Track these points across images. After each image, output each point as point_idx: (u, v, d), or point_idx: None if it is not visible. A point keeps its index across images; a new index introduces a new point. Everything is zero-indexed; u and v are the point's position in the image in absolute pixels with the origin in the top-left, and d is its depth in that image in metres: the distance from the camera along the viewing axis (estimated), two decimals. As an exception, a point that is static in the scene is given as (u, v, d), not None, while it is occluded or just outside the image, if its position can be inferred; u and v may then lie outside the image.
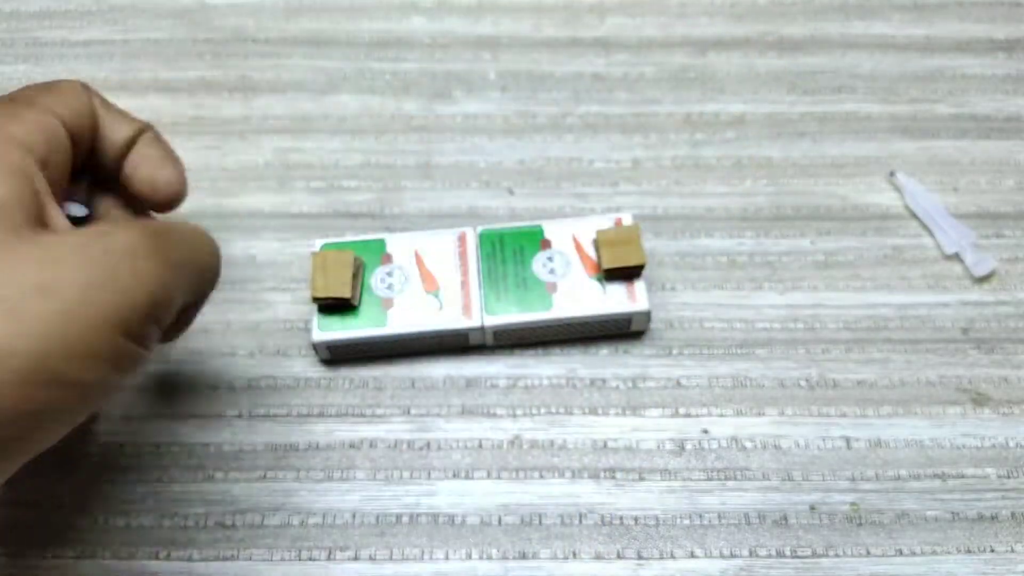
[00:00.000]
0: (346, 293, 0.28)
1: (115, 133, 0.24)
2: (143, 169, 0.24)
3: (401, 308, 0.28)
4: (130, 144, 0.24)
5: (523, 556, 0.26)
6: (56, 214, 0.20)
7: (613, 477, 0.27)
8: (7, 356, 0.16)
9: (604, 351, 0.29)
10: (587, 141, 0.35)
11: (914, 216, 0.32)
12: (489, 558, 0.26)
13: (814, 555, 0.26)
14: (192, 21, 0.38)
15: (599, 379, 0.29)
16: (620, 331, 0.29)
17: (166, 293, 0.19)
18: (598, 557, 0.26)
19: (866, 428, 0.28)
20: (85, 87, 0.23)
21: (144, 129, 0.25)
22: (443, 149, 0.34)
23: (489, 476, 0.27)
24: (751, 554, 0.26)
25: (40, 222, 0.19)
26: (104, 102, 0.24)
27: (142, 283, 0.19)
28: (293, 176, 0.34)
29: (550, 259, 0.29)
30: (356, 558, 0.26)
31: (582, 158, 0.34)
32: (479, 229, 0.30)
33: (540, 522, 0.26)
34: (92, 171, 0.24)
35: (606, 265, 0.28)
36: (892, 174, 0.33)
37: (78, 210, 0.25)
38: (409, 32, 0.38)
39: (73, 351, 0.17)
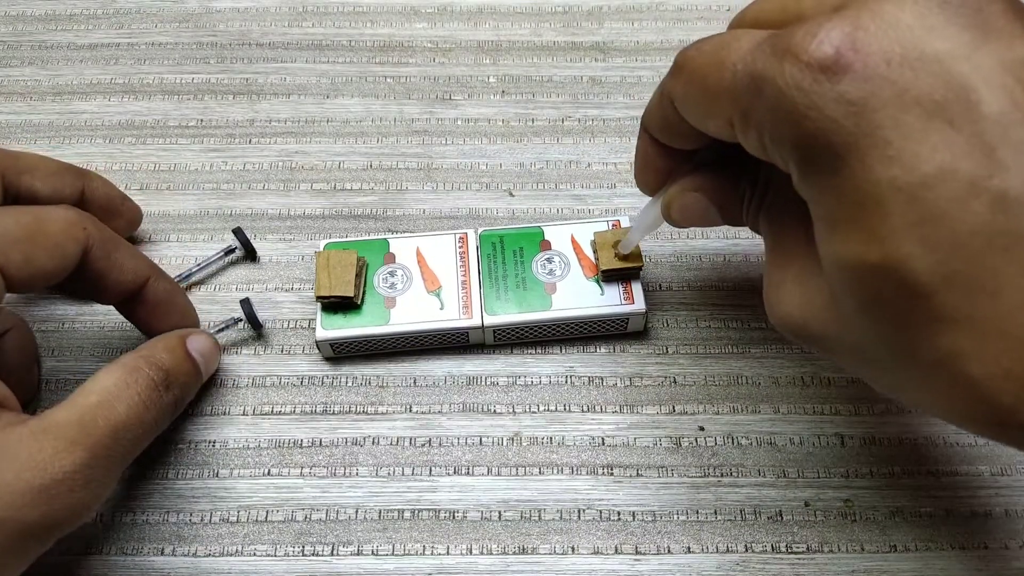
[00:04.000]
0: (349, 292, 0.28)
1: (122, 275, 0.25)
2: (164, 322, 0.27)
3: (403, 307, 0.29)
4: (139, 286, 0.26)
5: (523, 551, 0.26)
6: None
7: (611, 473, 0.27)
8: None
9: (602, 350, 0.30)
10: (585, 144, 0.35)
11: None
12: (489, 553, 0.26)
13: (809, 551, 0.26)
14: (197, 25, 0.39)
15: (597, 377, 0.29)
16: (618, 331, 0.30)
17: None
18: (596, 552, 0.26)
19: (860, 426, 0.28)
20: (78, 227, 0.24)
21: (151, 276, 0.26)
22: (444, 152, 0.35)
23: (489, 472, 0.27)
24: (747, 549, 0.26)
25: None
26: (111, 243, 0.25)
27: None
28: (297, 178, 0.34)
29: (549, 260, 0.30)
30: (359, 553, 0.26)
31: (580, 161, 0.35)
32: (480, 230, 0.30)
33: (539, 517, 0.27)
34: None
35: (604, 266, 0.29)
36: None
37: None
38: (411, 37, 0.38)
39: None
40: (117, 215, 0.29)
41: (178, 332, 0.27)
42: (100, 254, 0.24)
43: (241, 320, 0.29)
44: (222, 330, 0.29)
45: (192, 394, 0.27)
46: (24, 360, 0.28)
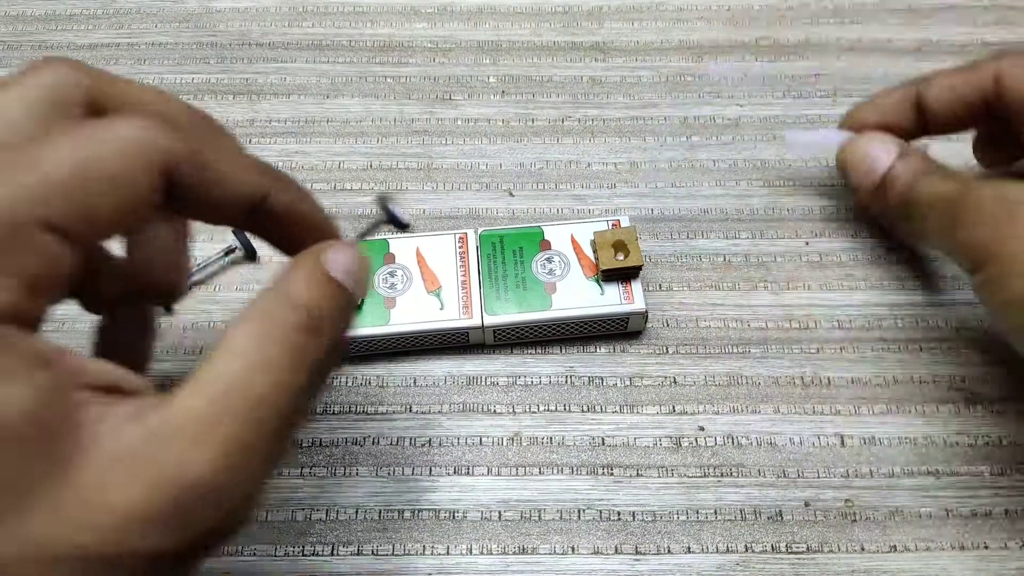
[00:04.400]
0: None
1: (226, 191, 0.19)
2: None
3: (403, 307, 0.29)
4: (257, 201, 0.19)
5: (523, 551, 0.26)
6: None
7: (611, 473, 0.27)
8: None
9: (602, 350, 0.30)
10: (585, 144, 0.35)
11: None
12: (489, 553, 0.26)
13: (809, 551, 0.26)
14: (197, 25, 0.39)
15: (597, 377, 0.29)
16: (618, 331, 0.30)
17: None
18: (596, 552, 0.26)
19: (860, 426, 0.28)
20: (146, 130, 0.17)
21: (271, 190, 0.20)
22: (444, 152, 0.35)
23: (489, 472, 0.27)
24: (747, 549, 0.26)
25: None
26: (206, 151, 0.18)
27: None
28: (297, 178, 0.34)
29: (549, 260, 0.30)
30: (359, 553, 0.26)
31: (580, 161, 0.35)
32: (479, 230, 0.30)
33: (539, 517, 0.27)
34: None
35: (604, 266, 0.29)
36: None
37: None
38: (411, 37, 0.38)
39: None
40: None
41: (311, 251, 0.19)
42: (189, 170, 0.17)
43: (382, 222, 0.22)
44: (365, 234, 0.22)
45: (349, 327, 0.20)
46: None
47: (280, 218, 0.20)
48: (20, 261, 0.15)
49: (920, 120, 0.28)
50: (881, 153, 0.28)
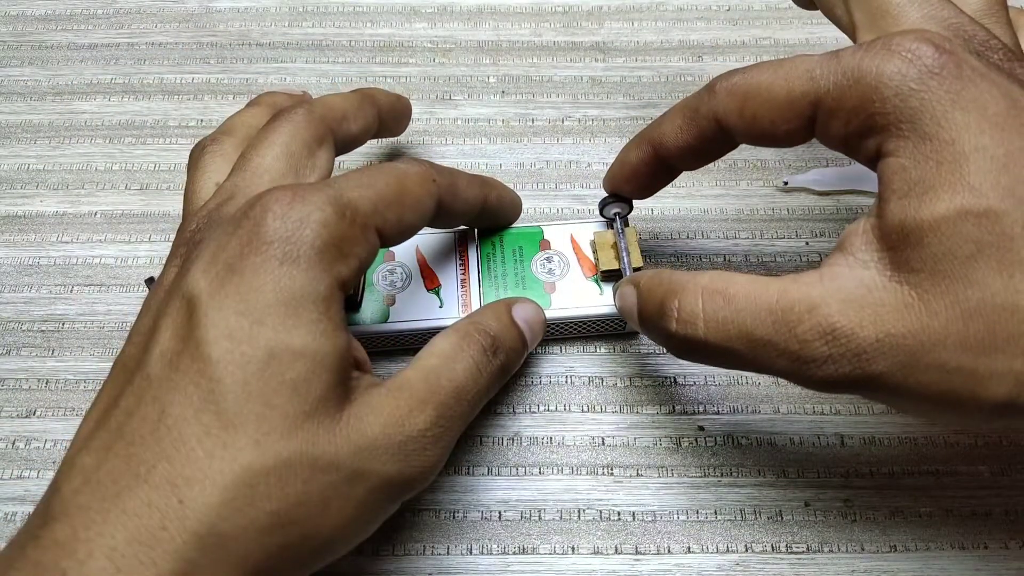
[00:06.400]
0: (349, 290, 0.28)
1: (466, 206, 0.26)
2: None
3: (403, 305, 0.29)
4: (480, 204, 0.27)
5: (523, 551, 0.26)
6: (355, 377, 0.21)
7: (611, 473, 0.27)
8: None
9: (602, 350, 0.30)
10: (585, 144, 0.35)
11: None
12: (490, 553, 0.26)
13: (809, 551, 0.26)
14: (197, 25, 0.39)
15: (597, 377, 0.29)
16: (617, 331, 0.30)
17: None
18: (596, 552, 0.26)
19: (860, 426, 0.28)
20: (428, 180, 0.23)
21: (488, 195, 0.27)
22: (444, 152, 0.35)
23: (489, 472, 0.27)
24: (747, 549, 0.26)
25: (343, 394, 0.20)
26: (453, 183, 0.25)
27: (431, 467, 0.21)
28: (296, 178, 0.34)
29: (549, 260, 0.30)
30: (360, 552, 0.26)
31: (580, 160, 0.35)
32: (479, 229, 0.31)
33: (539, 517, 0.27)
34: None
35: (603, 267, 0.29)
36: (785, 183, 0.33)
37: None
38: (411, 37, 0.38)
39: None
40: (404, 114, 0.31)
41: (505, 300, 0.26)
42: (448, 198, 0.25)
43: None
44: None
45: (518, 363, 0.25)
46: None
47: (492, 212, 0.28)
48: (359, 250, 0.21)
49: (667, 169, 0.26)
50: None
